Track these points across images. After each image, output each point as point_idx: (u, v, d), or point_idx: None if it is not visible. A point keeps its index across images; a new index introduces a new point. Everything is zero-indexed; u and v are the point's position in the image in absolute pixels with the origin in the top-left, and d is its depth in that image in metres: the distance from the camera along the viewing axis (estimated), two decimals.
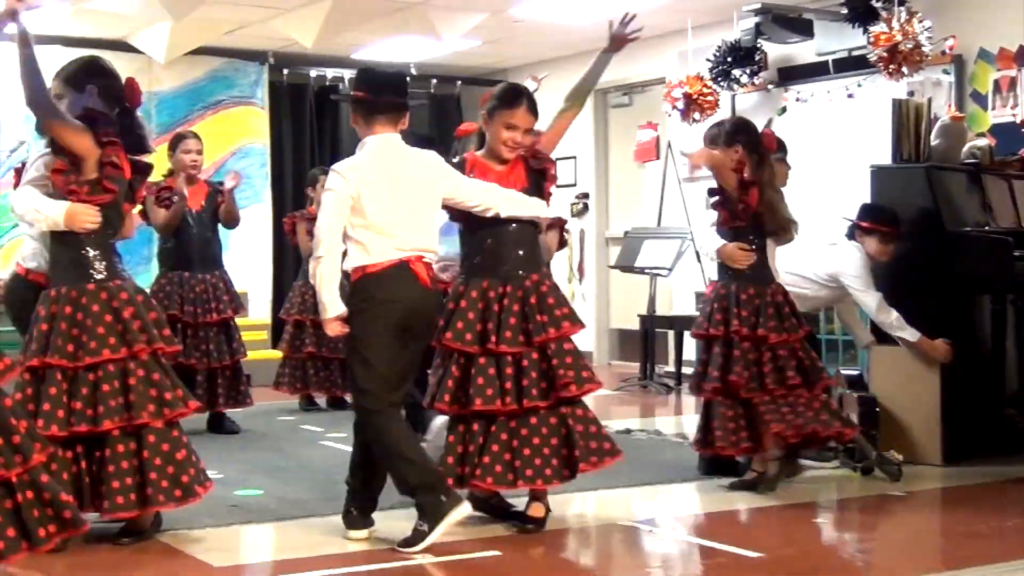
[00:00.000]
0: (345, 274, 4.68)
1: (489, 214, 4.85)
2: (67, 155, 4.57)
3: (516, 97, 4.93)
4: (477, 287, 4.86)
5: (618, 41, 5.19)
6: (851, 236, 6.45)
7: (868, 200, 6.67)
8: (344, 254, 4.69)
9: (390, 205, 4.63)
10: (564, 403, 4.82)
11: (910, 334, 6.18)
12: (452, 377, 4.83)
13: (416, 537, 4.52)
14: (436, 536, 4.49)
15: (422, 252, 4.70)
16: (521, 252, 4.91)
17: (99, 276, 4.56)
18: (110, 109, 4.65)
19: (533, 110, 4.95)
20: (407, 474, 4.59)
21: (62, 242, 4.60)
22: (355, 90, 4.83)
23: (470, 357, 4.82)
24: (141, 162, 4.78)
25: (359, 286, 4.64)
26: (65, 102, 4.66)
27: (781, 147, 6.29)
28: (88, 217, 4.53)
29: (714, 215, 5.88)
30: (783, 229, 5.82)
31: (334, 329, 4.64)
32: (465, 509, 4.56)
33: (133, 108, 4.74)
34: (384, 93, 4.76)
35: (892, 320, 6.21)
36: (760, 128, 5.96)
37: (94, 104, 4.60)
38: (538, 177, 5.01)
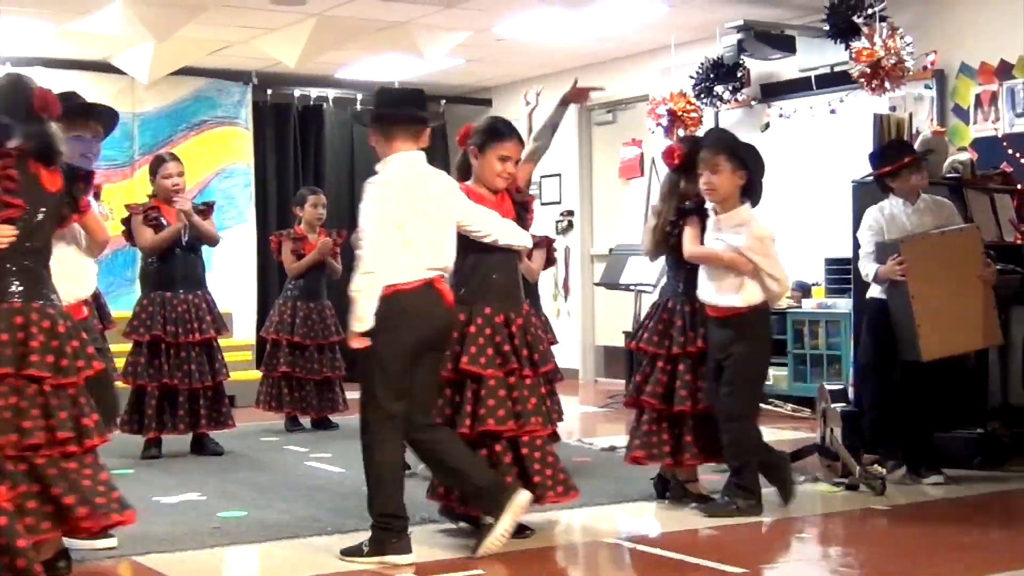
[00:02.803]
0: None
1: (488, 240, 4.97)
2: None
3: (509, 130, 5.08)
4: (481, 313, 4.96)
5: (576, 97, 5.46)
6: None
7: (852, 216, 6.69)
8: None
9: (420, 223, 4.69)
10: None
11: None
12: (469, 401, 4.94)
13: (355, 551, 4.70)
14: (364, 562, 4.62)
15: (443, 272, 4.80)
16: (514, 279, 5.12)
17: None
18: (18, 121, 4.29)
19: (521, 141, 5.14)
20: (375, 499, 4.69)
21: None
22: (374, 107, 4.90)
23: (481, 380, 4.91)
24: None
25: (390, 303, 4.62)
26: None
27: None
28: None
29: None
30: None
31: (359, 343, 4.62)
32: (407, 558, 4.64)
33: (41, 117, 4.31)
34: (402, 107, 4.82)
35: None
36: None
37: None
38: (521, 210, 5.18)
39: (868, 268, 6.28)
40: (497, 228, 4.98)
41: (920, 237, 6.17)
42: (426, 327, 4.69)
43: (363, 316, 4.58)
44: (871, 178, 6.62)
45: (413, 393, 4.70)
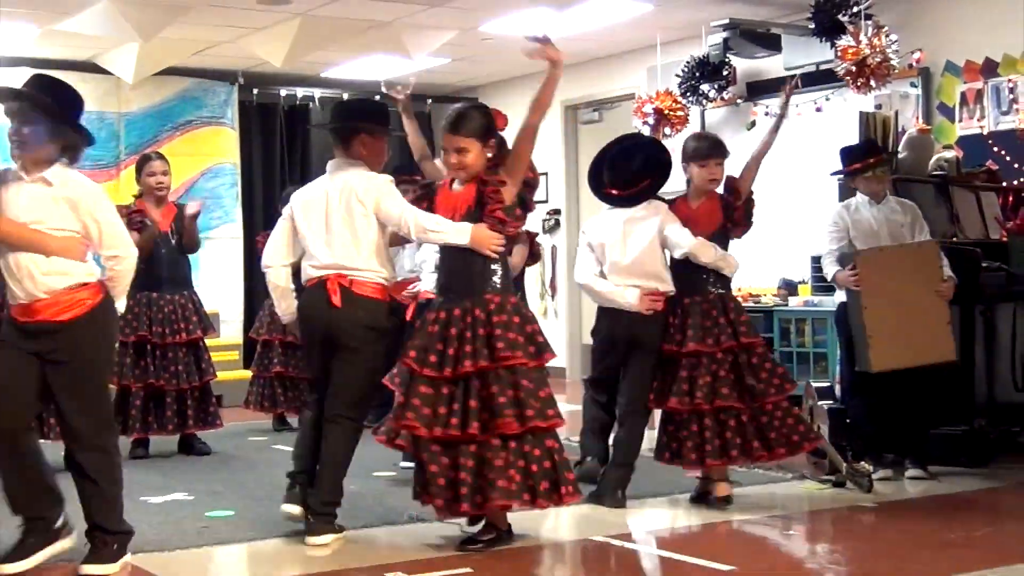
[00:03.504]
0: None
1: (410, 235, 5.01)
2: None
3: (448, 119, 4.92)
4: (433, 310, 4.94)
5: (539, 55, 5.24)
6: None
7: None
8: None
9: (313, 226, 5.01)
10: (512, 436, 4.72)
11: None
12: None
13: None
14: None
15: (344, 271, 4.92)
16: (457, 277, 4.90)
17: None
18: None
19: (458, 130, 4.86)
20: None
21: None
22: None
23: (414, 378, 4.84)
24: None
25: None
26: None
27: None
28: None
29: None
30: None
31: (295, 332, 5.32)
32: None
33: None
34: (336, 120, 5.24)
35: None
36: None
37: None
38: (480, 198, 4.90)
39: (829, 269, 6.31)
40: (409, 222, 4.89)
41: (877, 251, 6.19)
42: (309, 324, 5.05)
43: (277, 309, 5.29)
44: (839, 175, 6.67)
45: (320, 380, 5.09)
